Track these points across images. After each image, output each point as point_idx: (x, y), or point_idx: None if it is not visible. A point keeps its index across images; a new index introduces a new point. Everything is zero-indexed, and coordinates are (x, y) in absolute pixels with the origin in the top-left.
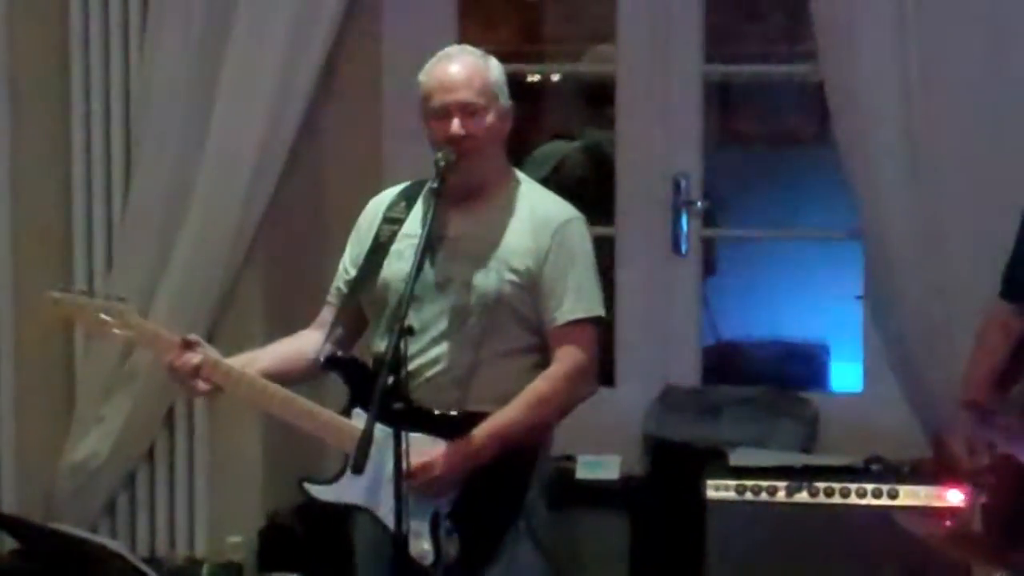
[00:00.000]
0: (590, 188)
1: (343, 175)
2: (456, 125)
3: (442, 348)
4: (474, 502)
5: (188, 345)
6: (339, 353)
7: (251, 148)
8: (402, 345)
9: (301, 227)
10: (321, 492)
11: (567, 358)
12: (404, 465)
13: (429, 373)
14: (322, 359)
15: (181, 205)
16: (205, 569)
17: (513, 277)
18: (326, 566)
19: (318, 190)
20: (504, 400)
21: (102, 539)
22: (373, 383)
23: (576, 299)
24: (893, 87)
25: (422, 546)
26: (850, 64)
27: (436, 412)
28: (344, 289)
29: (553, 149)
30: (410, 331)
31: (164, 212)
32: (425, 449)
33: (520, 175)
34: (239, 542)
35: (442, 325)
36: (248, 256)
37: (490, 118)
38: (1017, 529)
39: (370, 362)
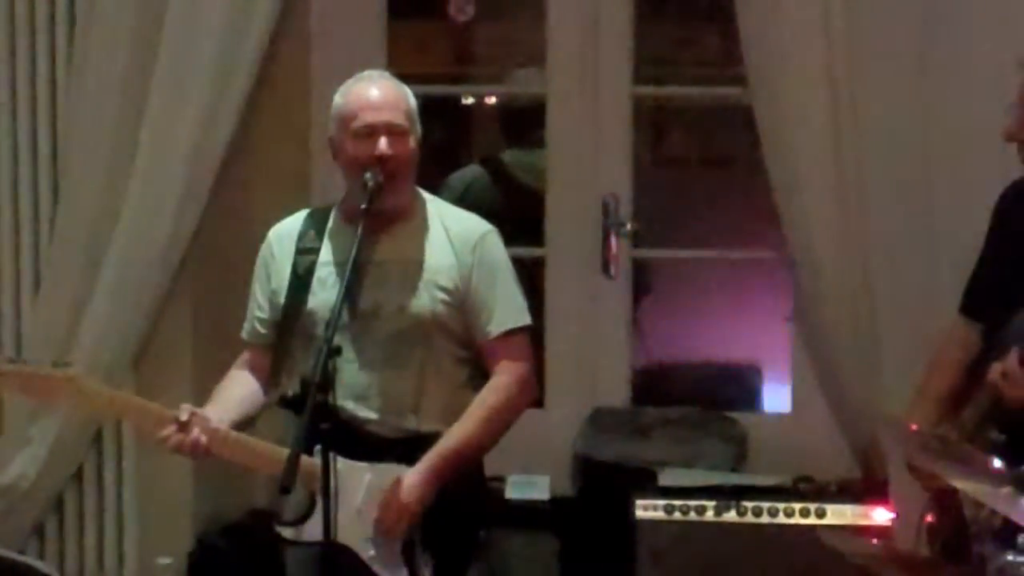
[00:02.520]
0: (497, 210)
1: (271, 197)
2: (384, 144)
3: (385, 377)
4: (440, 525)
5: (185, 425)
6: (290, 393)
7: (179, 171)
8: (330, 365)
9: (230, 248)
10: (292, 533)
11: (509, 368)
12: (332, 483)
13: (376, 403)
14: (277, 399)
15: (108, 228)
16: None
17: (443, 296)
18: None
19: (247, 209)
20: (451, 417)
21: (31, 560)
22: (335, 425)
23: (506, 310)
24: (821, 109)
25: (397, 574)
26: (778, 87)
27: (385, 437)
28: (262, 329)
29: (464, 174)
30: (338, 351)
31: (91, 235)
32: (389, 486)
33: (425, 194)
34: (168, 564)
35: (381, 353)
36: (176, 278)
37: (412, 142)
38: (952, 547)
39: (287, 391)
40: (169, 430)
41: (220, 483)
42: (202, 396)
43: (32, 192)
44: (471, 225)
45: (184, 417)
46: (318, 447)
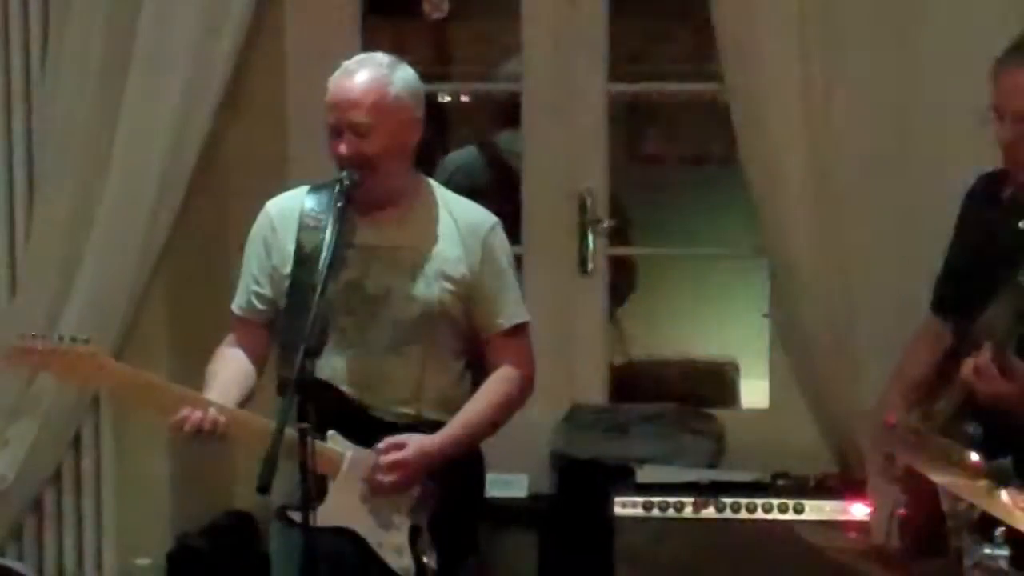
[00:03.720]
0: (486, 192)
1: (247, 194)
2: (342, 148)
3: (390, 363)
4: (448, 516)
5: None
6: (294, 377)
7: (155, 167)
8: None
9: (208, 242)
10: (301, 518)
11: (520, 360)
12: (309, 463)
13: (380, 388)
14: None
15: (85, 227)
16: None
17: (450, 286)
18: None
19: (222, 212)
20: (451, 406)
21: (9, 562)
22: (340, 403)
23: (515, 303)
24: (796, 107)
25: (404, 560)
26: (754, 84)
27: (392, 422)
28: (260, 304)
29: (455, 157)
30: (316, 353)
31: (68, 234)
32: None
33: (432, 182)
34: (147, 564)
35: (386, 339)
36: (154, 273)
37: (381, 138)
38: (925, 541)
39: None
40: (186, 411)
41: (199, 483)
42: None
43: (7, 194)
44: (479, 217)
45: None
46: (331, 432)
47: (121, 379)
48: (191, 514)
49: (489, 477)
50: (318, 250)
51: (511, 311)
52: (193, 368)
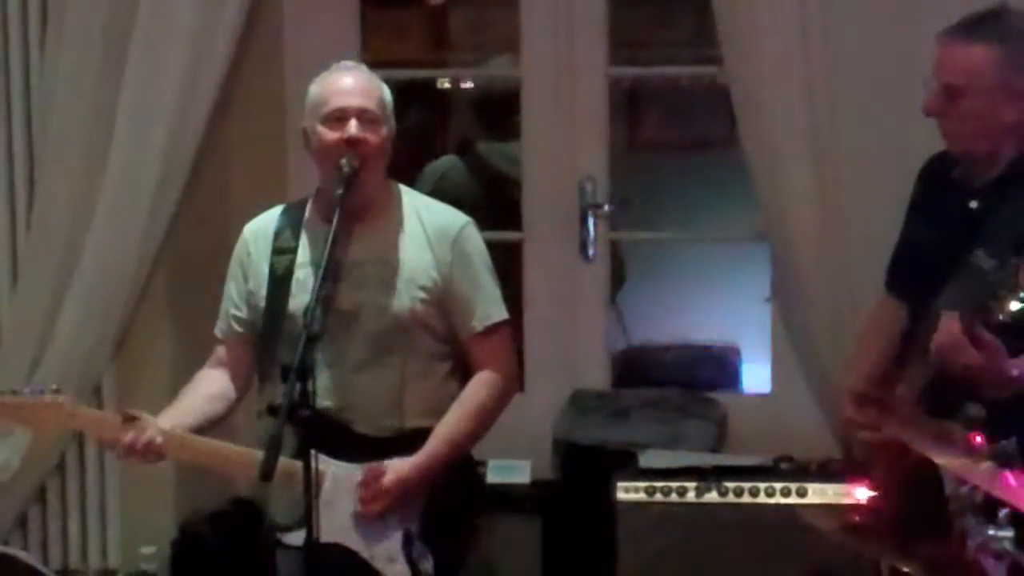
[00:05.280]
0: (472, 199)
1: (247, 186)
2: (354, 126)
3: (368, 377)
4: (438, 517)
5: (130, 419)
6: (277, 402)
7: (154, 162)
8: (308, 357)
9: (207, 237)
10: (294, 539)
11: (496, 361)
12: (314, 481)
13: (360, 403)
14: (265, 409)
15: (86, 218)
16: None
17: (423, 295)
18: (239, 575)
19: (222, 201)
20: (436, 411)
21: (13, 551)
22: (323, 427)
23: (488, 304)
24: (797, 90)
25: (398, 568)
26: (754, 67)
27: (374, 436)
28: (240, 327)
29: (436, 166)
30: (317, 337)
31: (69, 226)
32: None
33: (403, 188)
34: (152, 552)
35: (362, 353)
36: (154, 268)
37: (384, 132)
38: (914, 522)
39: (275, 399)
40: (129, 436)
41: (203, 472)
42: (182, 384)
43: (8, 185)
44: (448, 219)
45: (133, 414)
46: (314, 452)
47: (93, 423)
48: (195, 502)
49: (492, 463)
50: (290, 272)
51: (484, 312)
52: (195, 360)
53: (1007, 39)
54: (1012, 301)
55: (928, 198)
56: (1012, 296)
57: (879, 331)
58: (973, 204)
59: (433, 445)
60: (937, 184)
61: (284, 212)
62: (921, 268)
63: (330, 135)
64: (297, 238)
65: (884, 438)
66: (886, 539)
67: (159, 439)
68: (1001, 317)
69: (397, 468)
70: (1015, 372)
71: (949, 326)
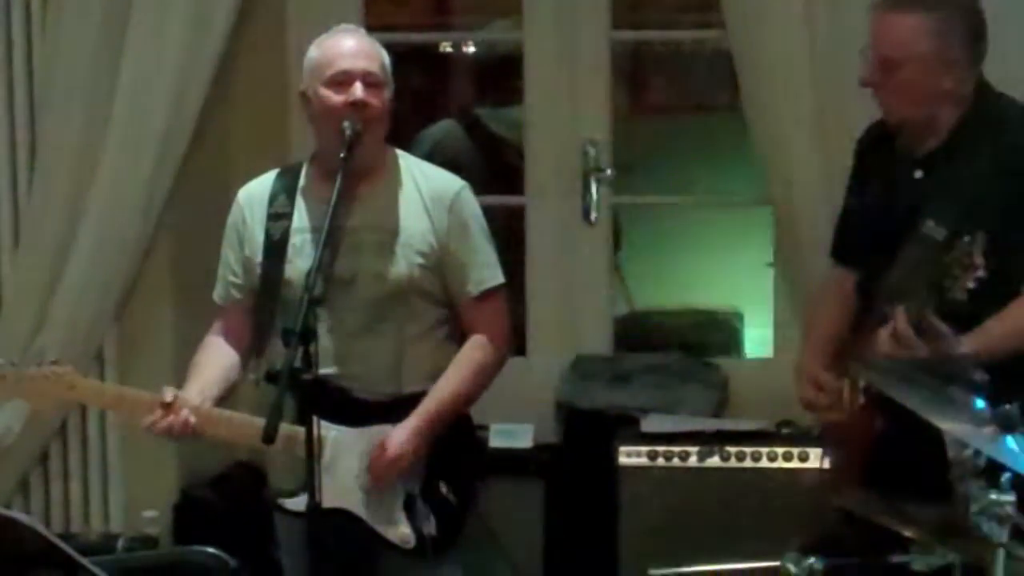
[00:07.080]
0: (470, 163)
1: (249, 149)
2: (359, 89)
3: (366, 343)
4: (439, 479)
5: (170, 406)
6: (277, 367)
7: (156, 124)
8: (311, 319)
9: (209, 198)
10: (296, 504)
11: (491, 326)
12: (316, 447)
13: (358, 369)
14: (263, 375)
15: (88, 182)
16: (120, 544)
17: (420, 260)
18: (242, 539)
19: (225, 165)
20: (434, 376)
21: (15, 514)
22: (323, 393)
23: (484, 268)
24: (800, 54)
25: (401, 531)
26: (757, 32)
27: (374, 401)
28: (238, 293)
29: (434, 130)
30: (319, 301)
31: (70, 189)
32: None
33: (400, 153)
34: (154, 516)
35: (360, 320)
36: (156, 229)
37: (387, 95)
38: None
39: (273, 366)
40: (156, 414)
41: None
42: (184, 348)
43: (9, 148)
44: (444, 183)
45: (169, 398)
46: (315, 418)
47: (92, 395)
48: (197, 466)
49: (494, 427)
50: (285, 237)
51: (480, 276)
52: (197, 323)
53: (938, 7)
54: (968, 280)
55: (871, 168)
56: (968, 275)
57: (830, 300)
58: (918, 174)
59: (425, 408)
60: (878, 154)
61: (279, 177)
62: (869, 238)
63: (334, 98)
64: (292, 203)
65: (842, 418)
66: (887, 504)
67: (192, 419)
68: (958, 296)
69: (398, 438)
70: (967, 350)
71: (897, 318)
